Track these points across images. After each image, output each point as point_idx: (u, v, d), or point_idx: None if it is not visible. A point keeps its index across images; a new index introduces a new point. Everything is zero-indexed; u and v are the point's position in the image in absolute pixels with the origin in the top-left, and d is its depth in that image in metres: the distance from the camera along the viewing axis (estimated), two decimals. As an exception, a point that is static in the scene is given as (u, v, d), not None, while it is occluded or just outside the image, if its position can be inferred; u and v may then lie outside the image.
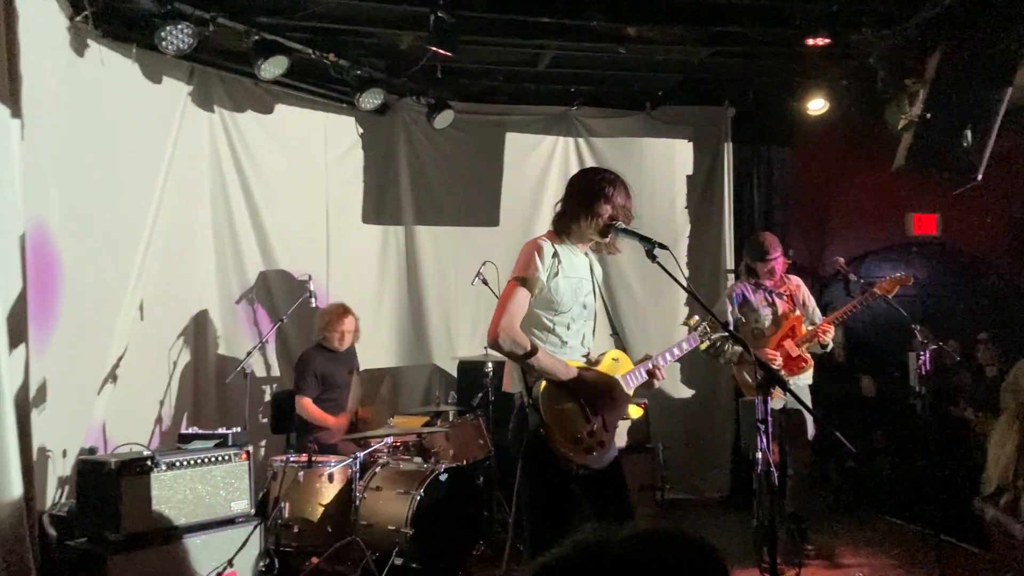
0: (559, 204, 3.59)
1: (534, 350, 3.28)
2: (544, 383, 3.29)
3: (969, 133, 5.43)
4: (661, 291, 7.45)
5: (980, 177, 5.51)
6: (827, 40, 5.63)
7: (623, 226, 3.38)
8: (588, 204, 3.43)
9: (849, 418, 7.22)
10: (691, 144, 7.72)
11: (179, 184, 6.08)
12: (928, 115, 5.56)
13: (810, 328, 5.31)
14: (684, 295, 7.53)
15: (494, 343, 3.30)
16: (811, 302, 5.56)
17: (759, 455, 3.05)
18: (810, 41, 5.72)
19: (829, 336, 5.22)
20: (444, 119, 6.82)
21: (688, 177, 7.70)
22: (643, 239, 3.25)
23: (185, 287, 6.23)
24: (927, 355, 5.09)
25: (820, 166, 7.98)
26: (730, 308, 5.43)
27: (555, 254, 3.42)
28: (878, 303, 5.25)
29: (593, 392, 3.41)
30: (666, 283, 7.38)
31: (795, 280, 5.57)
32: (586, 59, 6.72)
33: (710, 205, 7.68)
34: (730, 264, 7.58)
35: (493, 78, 7.11)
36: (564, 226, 3.53)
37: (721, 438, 7.51)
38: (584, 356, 3.58)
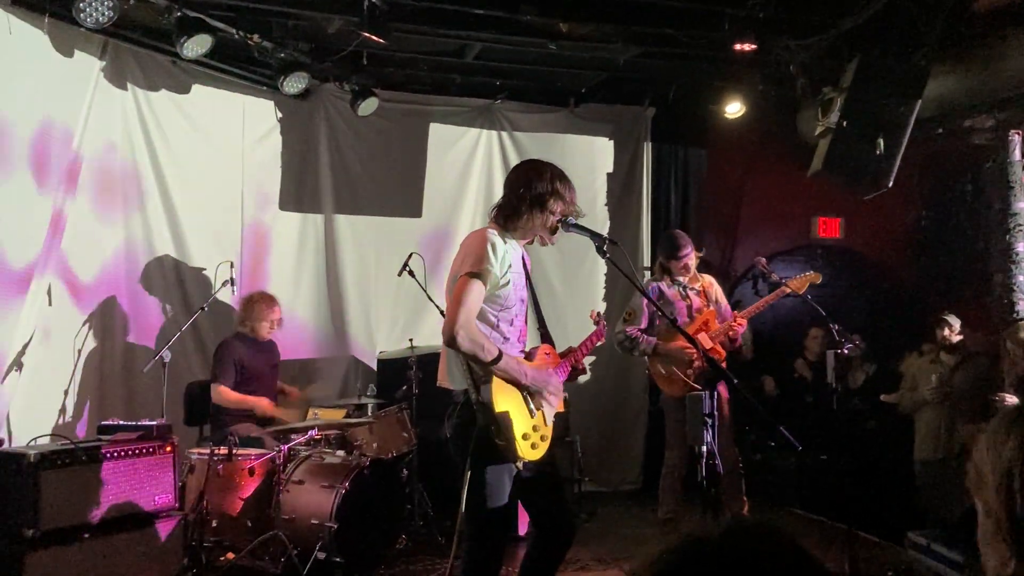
0: (503, 197, 3.55)
1: (496, 352, 3.24)
2: (493, 381, 3.26)
3: (881, 142, 5.69)
4: (579, 285, 7.55)
5: (890, 184, 5.78)
6: (753, 46, 5.79)
7: (575, 222, 3.39)
8: (540, 201, 3.38)
9: (756, 414, 7.46)
10: (612, 142, 7.83)
11: (89, 163, 5.79)
12: (844, 123, 5.79)
13: (722, 324, 5.42)
14: (603, 289, 7.65)
15: (451, 341, 3.22)
16: (723, 300, 5.67)
17: (704, 448, 3.12)
18: (737, 46, 5.87)
19: (742, 330, 5.37)
20: (368, 107, 6.71)
21: (608, 175, 7.81)
22: (594, 235, 3.27)
23: (93, 272, 5.94)
24: (843, 351, 5.30)
25: (734, 168, 8.22)
26: (645, 302, 5.51)
27: (504, 248, 3.39)
28: (787, 299, 5.43)
29: (536, 387, 3.42)
30: (584, 277, 7.63)
31: (708, 278, 5.66)
32: (513, 53, 6.73)
33: (629, 203, 7.82)
34: (647, 261, 7.74)
35: (419, 67, 7.04)
36: (510, 220, 3.48)
37: (634, 431, 7.67)
38: (521, 351, 3.59)
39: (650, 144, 7.86)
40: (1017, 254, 6.52)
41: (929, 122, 6.46)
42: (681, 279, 5.52)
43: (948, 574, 4.88)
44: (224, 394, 5.54)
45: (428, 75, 7.17)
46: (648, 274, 7.68)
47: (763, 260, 5.74)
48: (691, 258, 5.50)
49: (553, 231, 3.45)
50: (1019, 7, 5.53)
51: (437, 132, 7.36)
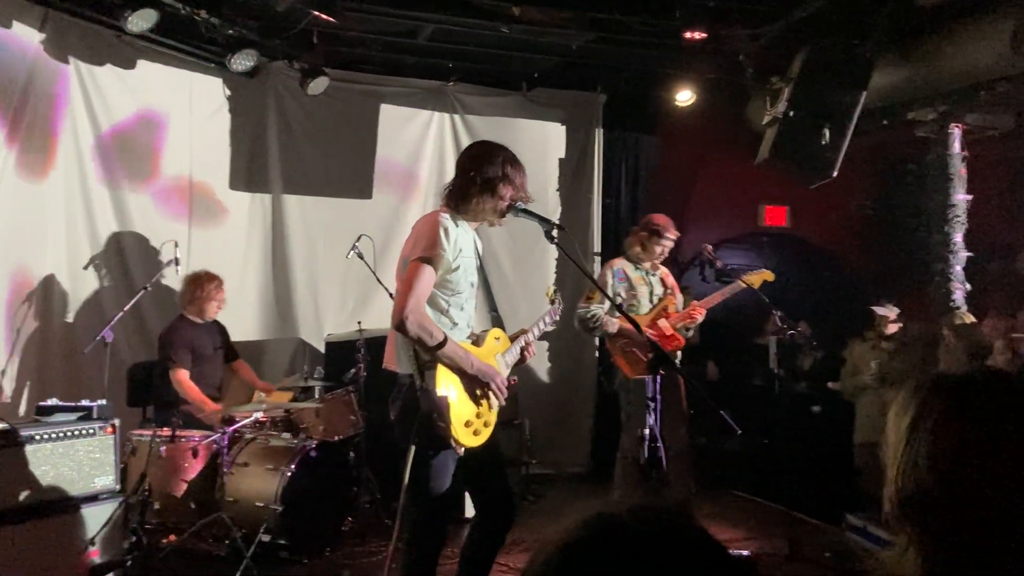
0: (454, 180, 3.53)
1: (443, 338, 3.24)
2: (438, 367, 3.26)
3: (827, 132, 5.78)
4: (530, 269, 7.57)
5: (835, 174, 5.88)
6: (704, 35, 5.84)
7: (524, 207, 3.39)
8: (490, 186, 3.37)
9: (699, 399, 7.58)
10: (564, 128, 7.85)
11: (29, 138, 5.63)
12: (791, 113, 5.88)
13: (680, 311, 5.50)
14: (554, 274, 7.68)
15: (400, 326, 3.21)
16: (677, 290, 5.74)
17: (647, 432, 3.16)
18: (688, 35, 5.91)
19: (700, 319, 5.44)
20: (318, 86, 6.62)
21: (560, 160, 7.83)
22: (543, 220, 3.28)
23: (32, 249, 5.79)
24: (787, 338, 5.41)
25: (684, 155, 8.29)
26: (610, 283, 5.53)
27: (456, 231, 3.38)
28: (741, 292, 5.51)
29: (482, 376, 3.42)
30: (535, 261, 7.64)
31: (665, 268, 5.74)
32: (466, 35, 6.69)
33: (580, 189, 7.85)
34: (597, 247, 7.79)
35: (370, 47, 6.96)
36: (460, 204, 3.47)
37: (582, 413, 7.73)
38: (469, 336, 3.60)
39: (602, 130, 7.89)
40: (955, 244, 6.69)
41: (874, 113, 6.59)
42: (645, 264, 5.54)
43: (882, 555, 5.02)
44: (182, 382, 5.44)
45: (380, 55, 7.09)
46: (598, 259, 7.75)
47: (709, 247, 5.82)
48: (670, 245, 5.52)
49: (502, 215, 3.45)
50: (962, 3, 5.65)
51: (388, 113, 7.30)
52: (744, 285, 5.48)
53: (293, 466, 4.86)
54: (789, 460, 6.27)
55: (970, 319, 6.23)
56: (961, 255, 6.73)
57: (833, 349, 6.83)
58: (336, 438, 5.49)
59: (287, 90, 6.90)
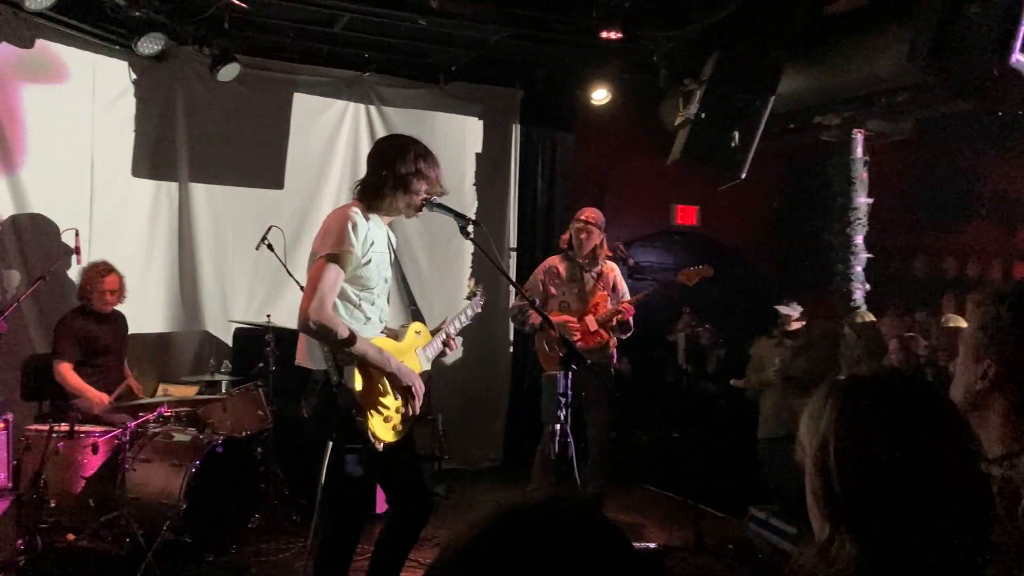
0: (366, 175, 3.49)
1: (351, 338, 3.19)
2: (356, 363, 3.23)
3: (737, 134, 5.92)
4: (447, 262, 7.54)
5: (744, 175, 6.03)
6: (619, 34, 5.90)
7: (439, 201, 3.37)
8: (404, 182, 3.33)
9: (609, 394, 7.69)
10: (481, 122, 7.83)
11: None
12: (702, 114, 6.00)
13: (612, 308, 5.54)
14: (469, 268, 7.66)
15: (304, 327, 3.17)
16: (622, 287, 5.72)
17: (557, 427, 3.19)
18: (604, 34, 5.97)
19: (629, 315, 5.49)
20: (228, 72, 6.45)
21: (477, 155, 7.82)
22: (458, 216, 3.27)
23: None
24: (694, 335, 5.52)
25: (600, 153, 8.39)
26: (542, 278, 5.55)
27: (367, 226, 3.34)
28: (673, 290, 5.60)
29: (401, 375, 3.40)
30: (451, 256, 7.61)
31: (611, 264, 5.73)
32: (383, 26, 6.60)
33: (497, 184, 7.85)
34: (514, 243, 7.81)
35: (284, 34, 6.81)
36: (373, 198, 3.42)
37: (496, 408, 7.75)
38: (384, 331, 3.57)
39: (519, 126, 7.91)
40: (856, 246, 6.95)
41: (782, 117, 6.78)
42: (582, 260, 5.57)
43: (782, 545, 5.20)
44: (64, 373, 5.22)
45: (294, 43, 6.95)
46: (515, 255, 7.79)
47: (621, 245, 5.90)
48: (589, 231, 5.53)
49: (417, 209, 3.43)
50: (868, 13, 5.86)
51: (302, 102, 7.16)
52: (680, 282, 5.56)
53: (198, 462, 4.75)
54: (696, 454, 6.42)
55: (870, 318, 6.49)
56: (862, 256, 6.99)
57: (739, 346, 7.00)
58: (243, 433, 5.37)
59: (196, 76, 6.68)
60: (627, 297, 5.66)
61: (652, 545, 5.30)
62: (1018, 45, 3.62)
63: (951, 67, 4.02)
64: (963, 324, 5.07)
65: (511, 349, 7.79)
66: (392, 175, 3.34)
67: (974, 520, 1.26)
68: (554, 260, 5.73)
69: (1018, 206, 10.20)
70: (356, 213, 3.31)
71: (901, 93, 5.67)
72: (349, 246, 3.22)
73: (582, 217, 5.61)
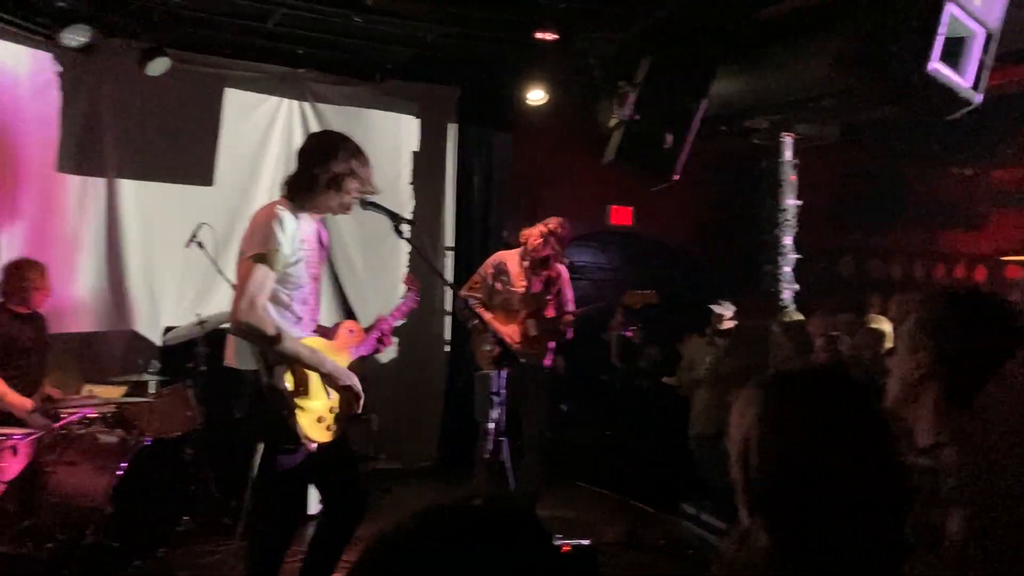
0: (298, 169, 3.45)
1: (282, 338, 3.15)
2: (287, 363, 3.19)
3: (670, 137, 6.00)
4: (381, 261, 7.48)
5: (677, 177, 6.12)
6: (555, 36, 5.94)
7: (372, 199, 3.35)
8: (335, 180, 3.31)
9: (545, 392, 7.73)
10: (418, 121, 7.81)
11: None
12: (636, 116, 6.07)
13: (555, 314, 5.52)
14: (406, 266, 7.62)
15: (236, 330, 3.13)
16: (568, 293, 5.67)
17: (490, 426, 3.20)
18: (539, 34, 6.00)
19: (569, 327, 5.47)
20: (158, 66, 6.31)
21: (414, 153, 7.79)
22: (391, 215, 3.25)
23: None
24: (626, 334, 5.58)
25: (537, 153, 8.41)
26: (490, 272, 5.51)
27: (295, 223, 3.29)
28: (617, 309, 5.63)
29: (335, 374, 3.37)
30: (387, 254, 7.56)
31: (560, 269, 5.68)
32: (318, 22, 6.53)
33: (433, 183, 7.83)
34: (450, 242, 7.80)
35: (216, 28, 6.68)
36: (302, 195, 3.39)
37: (432, 407, 7.73)
38: (315, 330, 3.54)
39: (456, 125, 7.90)
40: (784, 247, 7.10)
41: (715, 120, 6.89)
42: (533, 260, 5.51)
43: (712, 540, 5.30)
44: None
45: (226, 37, 6.82)
46: (451, 254, 7.78)
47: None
48: (550, 244, 5.48)
49: (347, 208, 3.40)
50: (797, 19, 5.99)
51: (234, 98, 7.04)
52: (626, 302, 5.57)
53: (124, 464, 4.65)
54: (630, 451, 6.50)
55: (798, 317, 6.64)
56: (790, 257, 7.15)
57: (671, 345, 7.11)
58: (172, 434, 5.27)
59: (125, 69, 6.51)
60: (571, 305, 5.64)
61: (585, 542, 5.34)
62: (936, 54, 3.76)
63: (874, 74, 4.15)
64: (885, 324, 5.23)
65: (447, 348, 7.78)
66: (323, 173, 3.31)
67: (888, 514, 1.30)
68: (505, 256, 5.64)
69: (940, 209, 10.57)
70: (283, 211, 3.26)
71: (828, 98, 5.81)
72: (276, 245, 3.17)
73: (550, 226, 5.52)
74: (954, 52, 3.94)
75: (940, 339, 1.72)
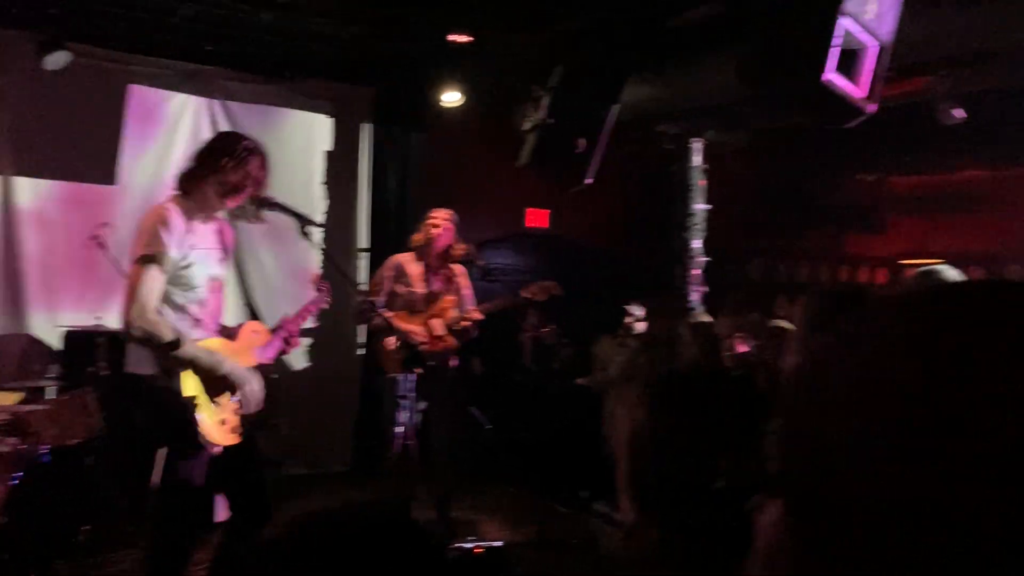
0: (191, 167, 3.38)
1: (177, 341, 3.08)
2: (188, 366, 3.12)
3: (583, 141, 6.07)
4: (292, 261, 7.36)
5: (590, 181, 6.19)
6: (469, 38, 5.95)
7: (276, 201, 3.31)
8: (231, 179, 3.25)
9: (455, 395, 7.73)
10: (332, 120, 7.72)
11: None
12: (550, 120, 6.12)
13: (459, 313, 5.52)
14: (319, 267, 7.52)
15: (127, 333, 3.05)
16: (467, 291, 5.70)
17: (398, 429, 3.18)
18: (452, 36, 6.00)
19: (475, 324, 5.49)
20: (57, 60, 6.09)
21: (327, 153, 7.69)
22: (296, 215, 3.21)
23: None
24: (539, 336, 5.63)
25: (453, 154, 8.40)
26: (388, 276, 5.49)
27: (185, 223, 3.22)
28: (521, 304, 5.66)
29: (237, 376, 3.31)
30: (298, 254, 7.39)
31: (458, 268, 5.71)
32: (227, 18, 6.39)
33: (347, 184, 7.75)
34: (363, 243, 7.73)
35: (119, 21, 6.47)
36: (197, 192, 3.31)
37: (345, 410, 7.64)
38: (218, 332, 3.47)
39: (371, 125, 7.83)
40: (694, 250, 7.27)
41: (627, 125, 7.00)
42: (430, 260, 5.51)
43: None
44: None
45: (130, 31, 6.61)
46: (366, 256, 7.70)
47: (472, 247, 5.95)
48: (443, 229, 5.50)
49: (225, 205, 3.34)
50: (706, 27, 6.13)
51: (138, 94, 6.84)
52: (527, 297, 5.61)
53: (20, 473, 4.48)
54: (543, 451, 6.55)
55: (706, 319, 6.79)
56: (699, 260, 7.31)
57: (585, 346, 7.20)
58: (72, 442, 5.08)
59: (20, 62, 6.26)
60: (471, 302, 5.66)
61: (497, 543, 5.36)
62: (831, 65, 3.90)
63: (774, 83, 4.29)
64: (788, 325, 5.40)
65: (360, 351, 7.71)
66: (220, 174, 3.25)
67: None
68: (401, 258, 5.67)
69: (845, 214, 10.98)
70: (170, 211, 3.19)
71: (733, 106, 5.96)
72: (161, 247, 3.11)
73: (436, 215, 5.61)
74: (849, 64, 4.10)
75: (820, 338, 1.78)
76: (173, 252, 3.13)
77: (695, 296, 7.28)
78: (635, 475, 1.27)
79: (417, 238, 5.66)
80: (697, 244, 7.29)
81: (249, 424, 3.45)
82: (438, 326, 5.41)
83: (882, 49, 4.21)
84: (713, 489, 1.26)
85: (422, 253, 5.58)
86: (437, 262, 5.58)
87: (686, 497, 1.26)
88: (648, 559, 1.24)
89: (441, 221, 5.58)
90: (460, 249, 5.63)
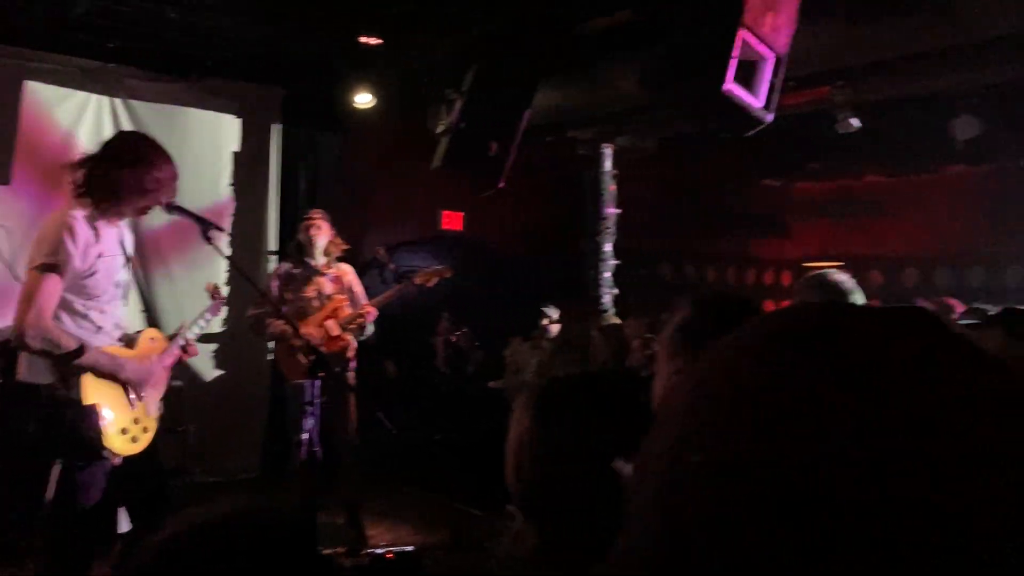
0: (95, 171, 3.27)
1: (78, 349, 2.98)
2: (85, 374, 3.03)
3: (496, 144, 6.12)
4: (198, 267, 7.19)
5: (503, 185, 6.24)
6: (379, 40, 5.92)
7: (178, 205, 3.24)
8: (137, 182, 3.15)
9: (378, 398, 7.68)
10: (239, 120, 7.56)
11: None
12: (463, 124, 6.15)
13: (353, 311, 5.50)
14: (225, 273, 7.37)
15: (20, 341, 2.93)
16: (358, 288, 5.68)
17: (304, 436, 3.16)
18: (362, 39, 5.96)
19: (372, 319, 5.47)
20: (-53, 54, 5.83)
21: (234, 154, 7.53)
22: (199, 220, 3.15)
23: None
24: (452, 339, 5.65)
25: (366, 157, 8.35)
26: (276, 284, 5.43)
27: (91, 231, 3.12)
28: (413, 291, 5.66)
29: (136, 380, 3.23)
30: (204, 259, 7.24)
31: (346, 267, 5.67)
32: (130, 14, 6.21)
33: (256, 185, 7.60)
34: (273, 245, 7.60)
35: (14, 15, 6.21)
36: (100, 200, 3.21)
37: (254, 417, 7.50)
38: (120, 339, 3.38)
39: (280, 126, 7.71)
40: (605, 253, 7.40)
41: (540, 130, 7.09)
42: (311, 262, 5.47)
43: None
44: None
45: (27, 26, 6.35)
46: (274, 259, 7.57)
47: (381, 250, 5.94)
48: (319, 226, 5.48)
49: (141, 212, 3.27)
50: (615, 35, 6.24)
51: (35, 91, 6.57)
52: (417, 283, 5.63)
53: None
54: (457, 455, 6.56)
55: (615, 321, 6.93)
56: (610, 263, 7.45)
57: (498, 349, 7.24)
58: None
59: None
60: (364, 298, 5.63)
61: (409, 548, 5.36)
62: (730, 76, 4.03)
63: (675, 92, 4.40)
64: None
65: (269, 356, 7.58)
66: (123, 176, 3.15)
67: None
68: (287, 266, 5.63)
69: (751, 218, 11.31)
70: (75, 218, 3.09)
71: (639, 113, 6.10)
72: (65, 256, 3.01)
73: (310, 215, 5.60)
74: (748, 74, 4.24)
75: (693, 343, 1.81)
76: (77, 263, 3.03)
77: (606, 298, 7.41)
78: (518, 481, 1.30)
79: (298, 240, 5.61)
80: (608, 247, 7.42)
81: (151, 432, 3.36)
82: (333, 326, 5.36)
83: (779, 60, 4.36)
84: (597, 495, 1.29)
85: (305, 255, 5.52)
86: (322, 263, 5.52)
87: (566, 505, 1.29)
88: (531, 565, 1.27)
89: (316, 220, 5.55)
90: (339, 245, 5.60)
